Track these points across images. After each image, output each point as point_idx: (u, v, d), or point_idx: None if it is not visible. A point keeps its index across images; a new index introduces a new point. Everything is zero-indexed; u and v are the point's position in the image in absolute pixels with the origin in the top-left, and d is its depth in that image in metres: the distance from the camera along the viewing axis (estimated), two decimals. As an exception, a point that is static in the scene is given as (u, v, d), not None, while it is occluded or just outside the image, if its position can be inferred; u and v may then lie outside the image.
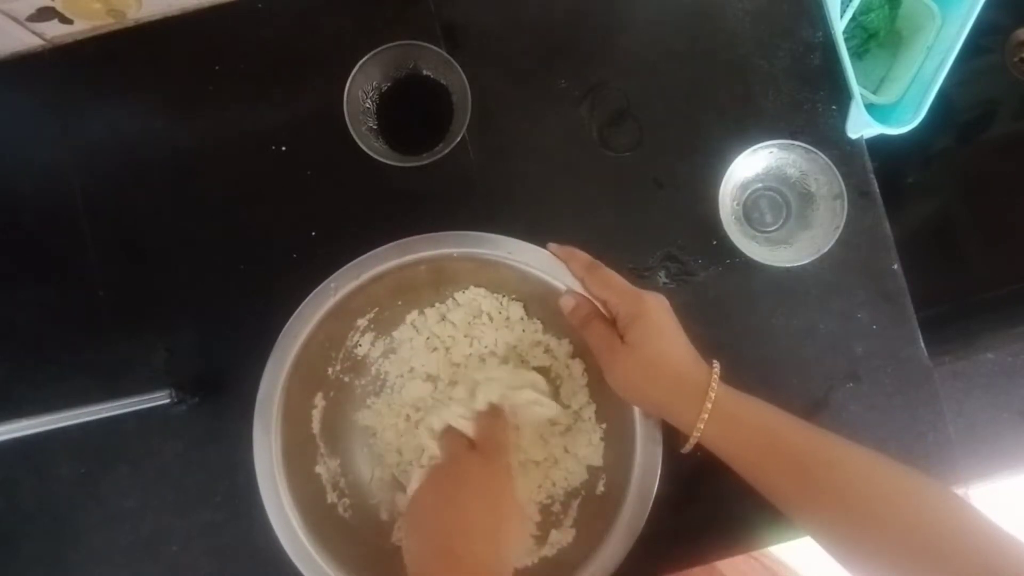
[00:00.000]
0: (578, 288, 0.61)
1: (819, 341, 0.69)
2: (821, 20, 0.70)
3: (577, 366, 0.69)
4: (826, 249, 0.65)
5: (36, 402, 0.67)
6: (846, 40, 0.69)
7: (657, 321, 0.57)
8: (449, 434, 0.64)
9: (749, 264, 0.67)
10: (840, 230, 0.65)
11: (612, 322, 0.59)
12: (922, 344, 0.69)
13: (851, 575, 0.53)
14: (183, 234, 0.70)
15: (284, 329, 0.63)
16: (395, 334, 0.70)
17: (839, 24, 0.68)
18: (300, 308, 0.63)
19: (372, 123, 0.68)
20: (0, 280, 0.70)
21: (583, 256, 0.61)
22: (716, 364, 0.57)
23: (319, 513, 0.65)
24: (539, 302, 0.68)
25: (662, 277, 0.69)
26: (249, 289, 0.69)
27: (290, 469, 0.64)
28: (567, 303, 0.61)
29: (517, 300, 0.69)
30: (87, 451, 0.68)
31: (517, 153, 0.70)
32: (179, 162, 0.70)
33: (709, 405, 0.54)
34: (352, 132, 0.64)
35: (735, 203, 0.70)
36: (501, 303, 0.69)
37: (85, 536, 0.68)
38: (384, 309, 0.68)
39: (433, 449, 0.65)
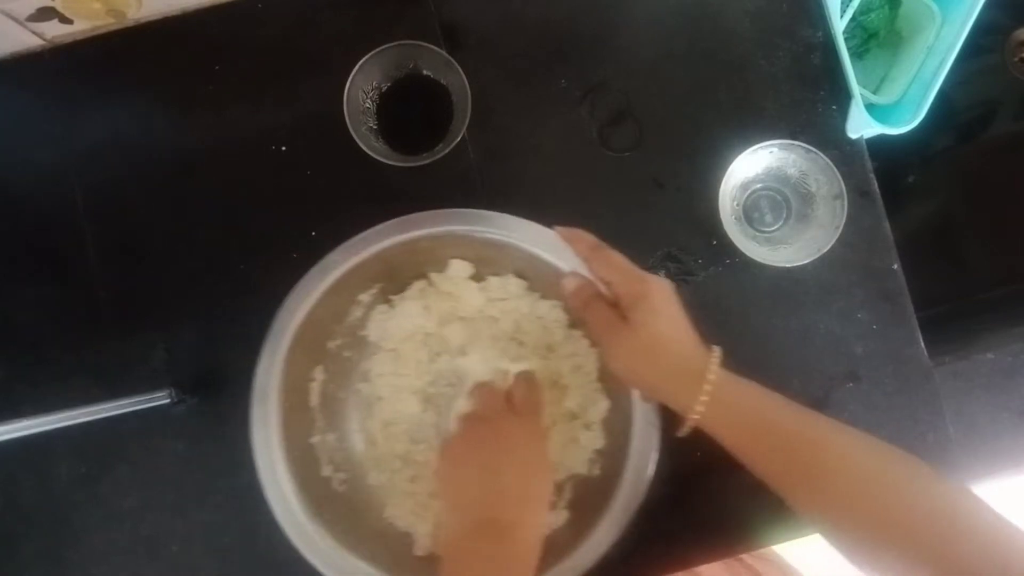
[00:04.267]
0: (581, 270, 0.61)
1: (819, 341, 0.69)
2: (821, 20, 0.70)
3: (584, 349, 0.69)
4: (826, 249, 0.66)
5: (36, 402, 0.67)
6: (846, 40, 0.69)
7: (660, 303, 0.57)
8: (483, 389, 0.64)
9: (749, 264, 0.67)
10: (840, 230, 0.65)
11: (614, 304, 0.59)
12: (922, 344, 0.69)
13: (843, 556, 0.53)
14: (183, 234, 0.70)
15: (284, 302, 0.63)
16: (396, 309, 0.69)
17: (839, 24, 0.68)
18: (301, 281, 0.63)
19: (372, 123, 0.68)
20: (0, 280, 0.70)
21: (588, 237, 0.61)
22: (716, 349, 0.57)
23: (313, 485, 0.65)
24: (543, 283, 0.68)
25: (662, 277, 0.69)
26: (249, 289, 0.69)
27: (287, 439, 0.63)
28: (569, 284, 0.61)
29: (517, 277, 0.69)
30: (87, 451, 0.68)
31: (517, 153, 0.70)
32: (179, 162, 0.70)
33: (708, 387, 0.54)
34: (352, 132, 0.64)
35: (735, 203, 0.70)
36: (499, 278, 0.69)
37: (85, 536, 0.68)
38: (387, 285, 0.68)
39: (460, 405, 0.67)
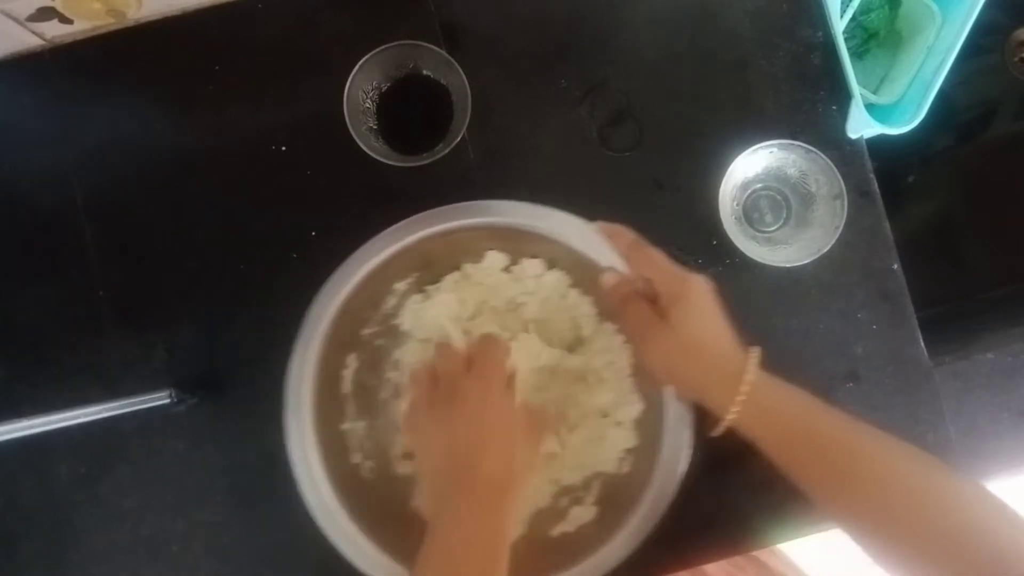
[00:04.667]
0: (620, 266, 0.62)
1: (819, 341, 0.69)
2: (821, 20, 0.70)
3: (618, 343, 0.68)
4: (826, 249, 0.66)
5: (36, 402, 0.67)
6: (846, 40, 0.69)
7: (700, 302, 0.57)
8: (443, 351, 0.63)
9: (749, 264, 0.67)
10: (840, 230, 0.65)
11: (653, 301, 0.59)
12: (922, 344, 0.69)
13: (875, 562, 0.53)
14: (183, 234, 0.70)
15: (323, 286, 0.63)
16: (430, 299, 0.69)
17: (839, 24, 0.68)
18: (342, 265, 0.63)
19: (372, 123, 0.68)
20: (0, 280, 0.70)
21: (629, 234, 0.61)
22: (755, 349, 0.57)
23: (343, 471, 0.65)
24: (581, 277, 0.68)
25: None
26: (249, 289, 0.69)
27: (319, 423, 0.64)
28: (609, 280, 0.62)
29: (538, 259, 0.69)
30: (87, 451, 0.68)
31: (517, 153, 0.70)
32: (179, 162, 0.70)
33: (746, 388, 0.54)
34: (352, 132, 0.64)
35: (735, 203, 0.70)
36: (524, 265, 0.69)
37: (85, 536, 0.68)
38: (423, 275, 0.69)
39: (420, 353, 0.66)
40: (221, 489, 0.68)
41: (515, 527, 0.58)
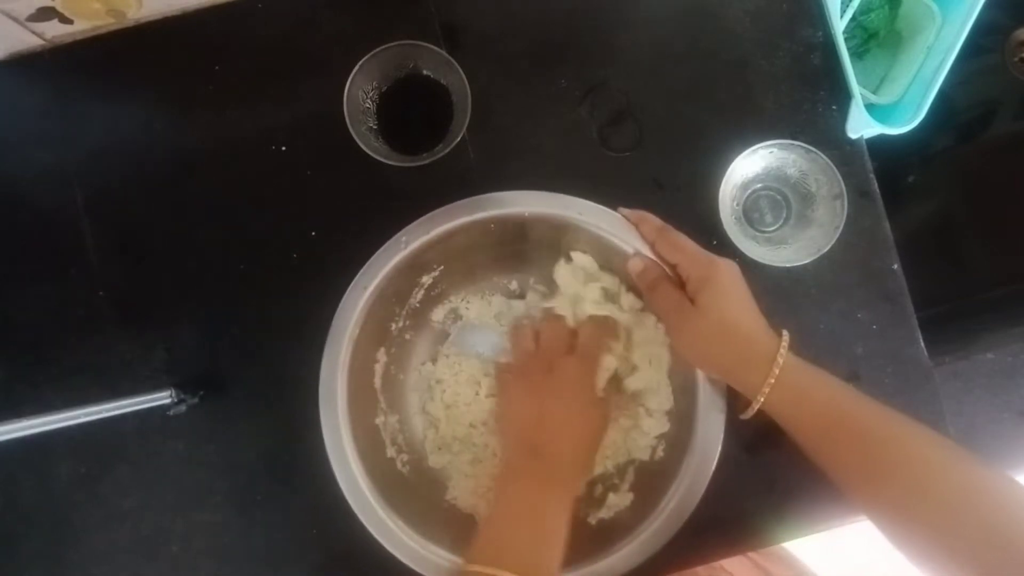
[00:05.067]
0: (647, 252, 0.62)
1: (819, 341, 0.69)
2: (821, 20, 0.70)
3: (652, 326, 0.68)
4: (826, 249, 0.66)
5: (36, 402, 0.67)
6: (846, 40, 0.69)
7: (728, 285, 0.58)
8: (553, 322, 0.65)
9: (749, 264, 0.67)
10: (840, 230, 0.65)
11: (681, 285, 0.60)
12: (922, 344, 0.69)
13: (898, 550, 0.53)
14: (183, 234, 0.70)
15: (353, 281, 0.64)
16: (460, 291, 0.70)
17: (839, 24, 0.68)
18: (370, 260, 0.64)
19: (372, 123, 0.68)
20: (0, 280, 0.70)
21: (654, 220, 0.62)
22: (786, 333, 0.57)
23: (379, 465, 0.66)
24: (610, 264, 0.68)
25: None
26: (249, 289, 0.69)
27: (352, 418, 0.64)
28: (636, 265, 0.62)
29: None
30: (87, 451, 0.68)
31: (517, 153, 0.70)
32: (179, 162, 0.70)
33: (777, 371, 0.55)
34: (352, 132, 0.64)
35: (735, 203, 0.70)
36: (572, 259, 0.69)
37: (85, 536, 0.68)
38: (450, 267, 0.69)
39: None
40: (221, 489, 0.68)
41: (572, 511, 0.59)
